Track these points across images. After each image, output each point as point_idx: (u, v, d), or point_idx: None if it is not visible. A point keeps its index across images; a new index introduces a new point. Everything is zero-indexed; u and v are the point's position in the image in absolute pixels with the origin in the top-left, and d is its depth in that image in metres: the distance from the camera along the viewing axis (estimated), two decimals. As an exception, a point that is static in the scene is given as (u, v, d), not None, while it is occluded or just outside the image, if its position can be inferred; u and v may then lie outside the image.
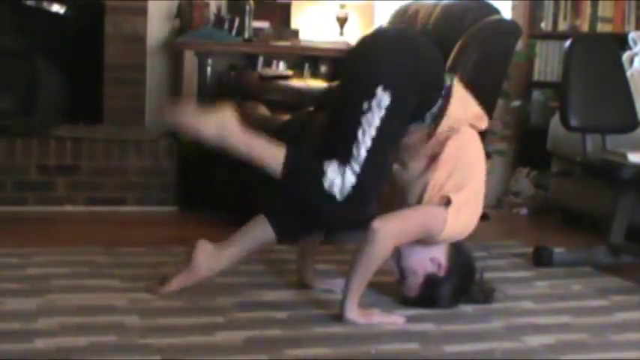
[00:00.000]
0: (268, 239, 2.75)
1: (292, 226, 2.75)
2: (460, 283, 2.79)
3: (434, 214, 2.64)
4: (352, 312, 2.61)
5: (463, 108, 2.77)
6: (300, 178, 2.64)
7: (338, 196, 2.60)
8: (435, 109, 2.71)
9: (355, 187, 2.60)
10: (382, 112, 2.58)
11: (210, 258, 2.74)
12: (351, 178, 2.59)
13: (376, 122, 2.58)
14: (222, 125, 2.62)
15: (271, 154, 2.62)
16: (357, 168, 2.59)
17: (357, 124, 2.59)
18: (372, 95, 2.58)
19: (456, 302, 2.82)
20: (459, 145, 2.72)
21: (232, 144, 2.62)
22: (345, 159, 2.59)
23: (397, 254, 2.77)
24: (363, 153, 2.59)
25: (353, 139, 2.59)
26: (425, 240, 2.70)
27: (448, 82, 2.74)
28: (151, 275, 2.97)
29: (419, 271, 2.75)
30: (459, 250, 2.79)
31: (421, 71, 2.68)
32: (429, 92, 2.71)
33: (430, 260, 2.74)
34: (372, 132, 2.58)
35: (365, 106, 2.59)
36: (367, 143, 2.59)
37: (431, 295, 2.77)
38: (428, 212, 2.66)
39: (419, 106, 2.70)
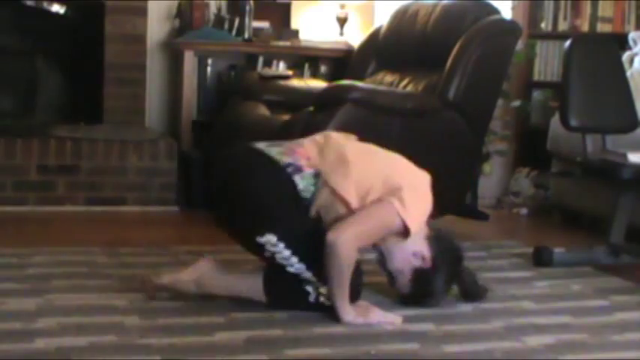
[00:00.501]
0: (259, 300, 2.71)
1: (285, 302, 2.71)
2: (449, 268, 2.78)
3: (382, 209, 2.63)
4: (348, 314, 2.61)
5: (317, 153, 2.73)
6: (286, 300, 2.68)
7: (327, 302, 2.65)
8: (300, 186, 2.66)
9: None
10: (281, 245, 2.60)
11: (203, 277, 2.71)
12: (324, 289, 2.65)
13: (286, 254, 2.61)
14: (199, 281, 2.71)
15: (250, 288, 2.68)
16: (317, 282, 2.64)
17: (280, 267, 2.63)
18: (261, 247, 2.61)
19: (449, 287, 2.82)
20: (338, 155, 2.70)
21: (212, 292, 2.71)
22: (309, 283, 2.65)
23: (380, 257, 2.77)
24: (308, 273, 2.63)
25: (293, 274, 2.63)
26: (398, 238, 2.70)
27: (285, 160, 2.68)
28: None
29: (405, 269, 2.75)
30: (438, 237, 2.79)
31: (270, 187, 2.65)
32: (287, 185, 2.65)
33: (413, 255, 2.73)
34: (293, 261, 2.61)
35: (267, 254, 2.63)
36: (301, 267, 2.62)
37: (424, 289, 2.77)
38: (376, 209, 2.63)
39: (295, 203, 2.66)
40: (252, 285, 2.68)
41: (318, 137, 2.82)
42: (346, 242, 2.57)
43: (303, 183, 2.66)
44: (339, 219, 2.64)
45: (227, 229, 2.74)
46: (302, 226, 2.66)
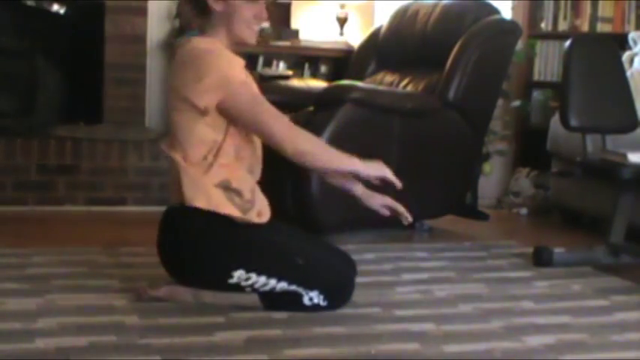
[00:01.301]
0: (256, 306, 2.72)
1: (281, 308, 2.72)
2: None
3: (241, 98, 2.65)
4: (354, 162, 2.66)
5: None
6: (282, 305, 2.68)
7: (322, 303, 2.68)
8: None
9: (327, 289, 2.68)
10: (253, 275, 2.61)
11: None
12: (314, 293, 2.68)
13: (263, 280, 2.62)
14: (195, 292, 2.72)
15: (246, 297, 2.68)
16: (305, 289, 2.66)
17: (271, 289, 2.64)
18: (237, 287, 2.63)
19: None
20: None
21: (209, 302, 2.71)
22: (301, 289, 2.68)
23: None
24: (293, 285, 2.65)
25: (286, 290, 2.65)
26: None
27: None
28: (151, 275, 2.97)
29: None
30: None
31: (199, 230, 2.64)
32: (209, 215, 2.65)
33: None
34: (273, 283, 2.63)
35: (247, 290, 2.64)
36: (284, 284, 2.64)
37: None
38: (243, 105, 2.66)
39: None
40: (247, 294, 2.68)
41: None
42: (293, 140, 2.62)
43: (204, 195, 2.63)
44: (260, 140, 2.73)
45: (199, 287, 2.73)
46: (254, 244, 2.66)
